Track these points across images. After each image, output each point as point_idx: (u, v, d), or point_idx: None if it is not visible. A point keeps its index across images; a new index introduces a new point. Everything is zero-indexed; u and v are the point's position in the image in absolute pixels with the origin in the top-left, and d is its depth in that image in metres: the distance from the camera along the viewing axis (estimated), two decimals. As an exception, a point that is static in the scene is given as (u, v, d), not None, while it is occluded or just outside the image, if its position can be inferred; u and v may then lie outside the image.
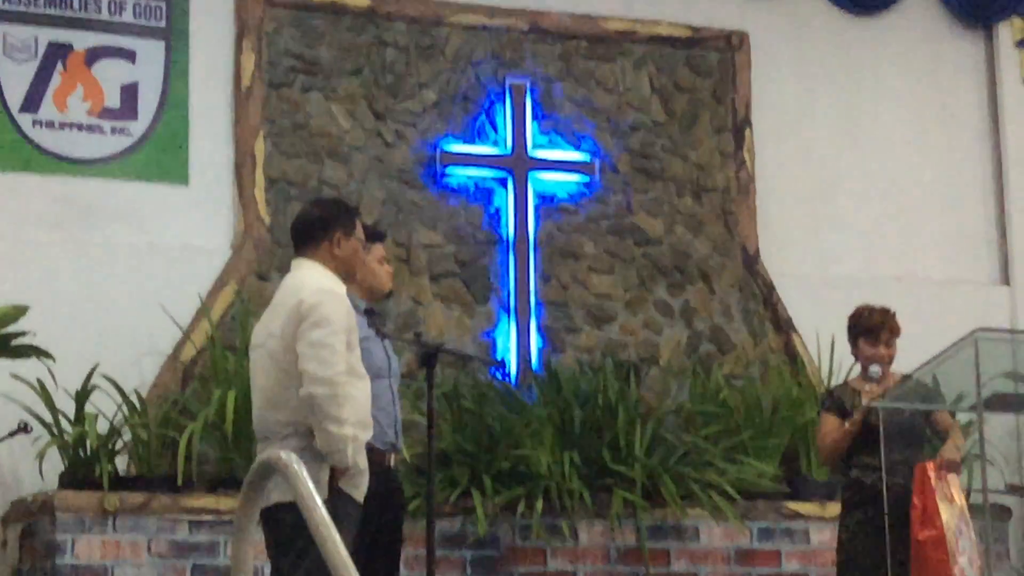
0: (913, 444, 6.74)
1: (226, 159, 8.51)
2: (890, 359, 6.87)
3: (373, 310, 6.28)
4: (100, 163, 8.28)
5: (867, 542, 6.60)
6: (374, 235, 6.33)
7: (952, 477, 6.63)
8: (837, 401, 6.86)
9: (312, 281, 5.42)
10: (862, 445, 6.70)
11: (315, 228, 5.59)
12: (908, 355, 7.83)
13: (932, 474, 6.54)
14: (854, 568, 6.66)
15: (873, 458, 6.67)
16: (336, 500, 5.15)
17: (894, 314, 6.90)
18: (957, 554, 6.48)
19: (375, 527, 5.80)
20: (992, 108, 10.11)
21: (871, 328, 6.84)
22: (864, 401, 6.76)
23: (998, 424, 8.94)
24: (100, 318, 8.00)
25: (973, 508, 8.48)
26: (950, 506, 6.54)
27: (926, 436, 6.89)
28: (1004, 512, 8.72)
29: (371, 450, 5.73)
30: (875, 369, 6.80)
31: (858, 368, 7.11)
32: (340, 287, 5.49)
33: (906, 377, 6.96)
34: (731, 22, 9.60)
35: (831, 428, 6.78)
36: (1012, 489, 8.95)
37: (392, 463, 6.08)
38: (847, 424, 6.70)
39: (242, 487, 3.54)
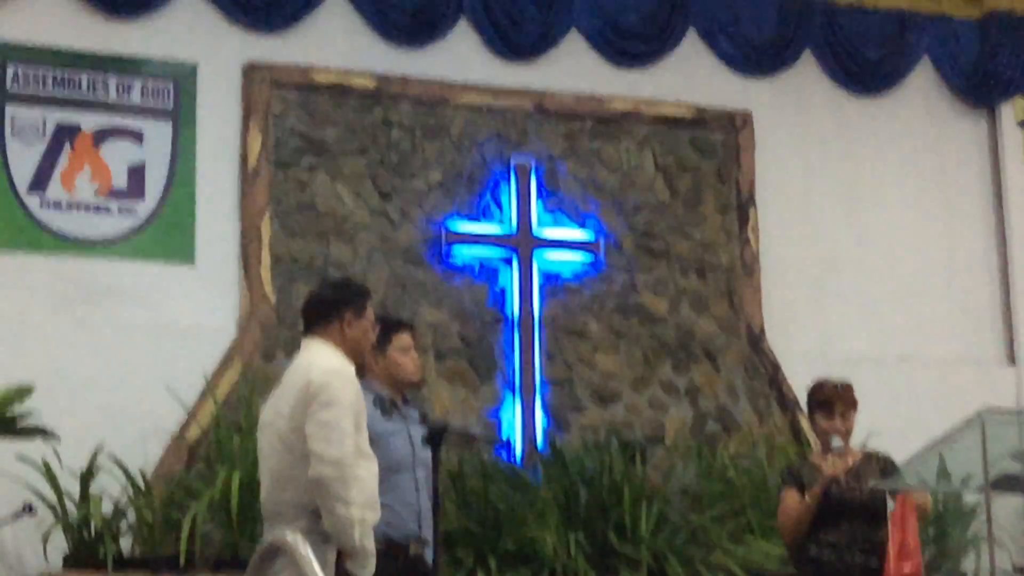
0: (873, 521, 6.67)
1: (232, 239, 8.53)
2: (847, 432, 6.80)
3: (406, 399, 6.25)
4: (107, 243, 8.31)
5: None
6: (396, 324, 6.31)
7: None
8: (797, 477, 6.79)
9: (321, 361, 5.42)
10: (822, 522, 6.63)
11: (326, 308, 5.60)
12: (913, 434, 7.81)
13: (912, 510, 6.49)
14: None
15: (832, 535, 6.61)
16: (342, 582, 5.13)
17: (850, 387, 6.84)
18: None
19: None
20: (995, 187, 10.15)
21: (824, 401, 6.80)
22: (826, 473, 6.67)
23: (1005, 505, 8.90)
24: (105, 398, 7.99)
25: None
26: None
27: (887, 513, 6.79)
28: (1012, 593, 8.67)
29: (390, 542, 5.72)
30: (838, 443, 6.72)
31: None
32: (349, 367, 5.48)
33: (868, 454, 6.91)
34: (735, 102, 9.66)
35: (792, 503, 6.70)
36: (1019, 571, 8.91)
37: (420, 552, 6.05)
38: (807, 497, 6.63)
39: (248, 567, 3.54)
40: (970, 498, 8.64)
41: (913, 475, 7.09)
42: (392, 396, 6.18)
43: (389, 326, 6.16)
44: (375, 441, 5.54)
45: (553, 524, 7.94)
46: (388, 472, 5.64)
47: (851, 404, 6.79)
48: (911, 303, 9.79)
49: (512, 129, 9.19)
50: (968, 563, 8.82)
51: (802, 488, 6.70)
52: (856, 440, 8.14)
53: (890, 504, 6.67)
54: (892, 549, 6.43)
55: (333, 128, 8.85)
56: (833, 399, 6.77)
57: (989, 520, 7.07)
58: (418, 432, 6.17)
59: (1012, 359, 9.89)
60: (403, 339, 6.24)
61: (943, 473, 7.41)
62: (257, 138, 8.65)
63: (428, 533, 6.17)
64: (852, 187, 9.89)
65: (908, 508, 6.50)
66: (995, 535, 7.65)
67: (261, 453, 5.52)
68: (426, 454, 6.19)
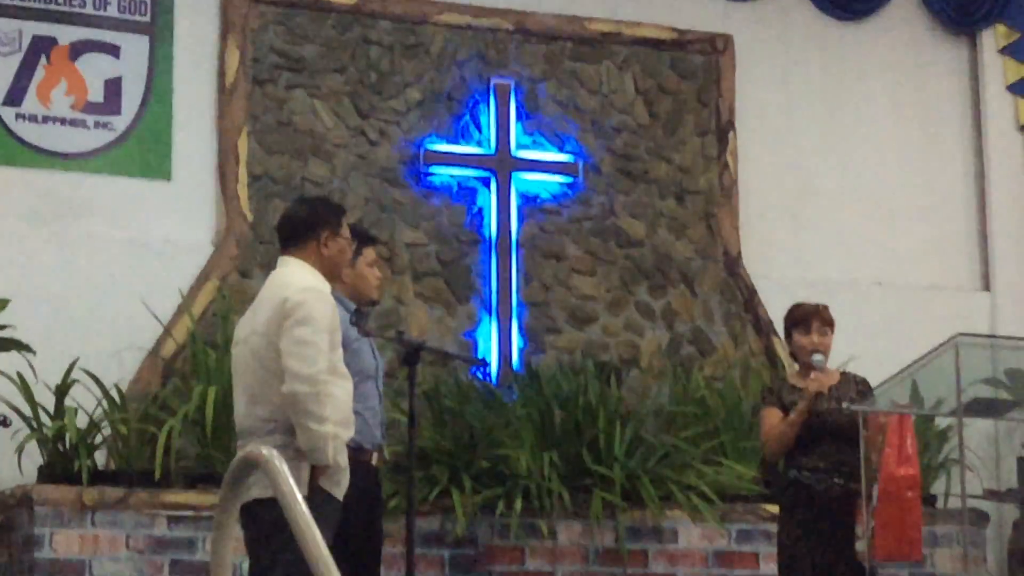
0: (852, 444, 6.71)
1: (209, 155, 8.50)
2: (825, 349, 6.84)
3: (360, 310, 6.28)
4: (83, 158, 8.27)
5: (808, 545, 6.57)
6: (366, 238, 6.33)
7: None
8: (777, 395, 6.83)
9: (297, 279, 5.42)
10: (801, 445, 6.67)
11: (302, 226, 5.59)
12: (888, 359, 7.86)
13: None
14: (795, 573, 6.63)
15: (811, 459, 6.65)
16: (316, 497, 5.15)
17: (826, 307, 6.90)
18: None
19: (357, 523, 5.82)
20: (975, 114, 10.14)
21: (801, 318, 6.84)
22: (810, 390, 6.70)
23: (977, 429, 8.97)
24: (81, 312, 7.99)
25: (951, 513, 8.54)
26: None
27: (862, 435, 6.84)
28: (982, 517, 8.74)
29: (359, 449, 5.78)
30: (819, 358, 6.75)
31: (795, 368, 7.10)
32: (325, 285, 5.49)
33: (845, 375, 6.96)
34: (716, 25, 9.61)
35: (776, 421, 6.74)
36: (990, 494, 8.98)
37: (375, 462, 6.12)
38: (793, 414, 6.65)
39: (222, 482, 3.54)
40: (943, 422, 8.70)
41: (887, 399, 7.14)
42: (358, 308, 6.23)
43: (361, 239, 6.18)
44: (347, 348, 5.58)
45: (528, 444, 7.98)
46: (358, 380, 5.69)
47: (828, 322, 6.84)
48: (888, 229, 9.80)
49: (492, 49, 9.14)
50: (939, 486, 8.88)
51: (782, 407, 6.74)
52: (836, 363, 8.20)
53: (862, 429, 6.73)
54: (890, 454, 6.50)
55: (312, 45, 8.79)
56: (810, 316, 6.82)
57: (961, 444, 7.13)
58: (374, 344, 6.23)
59: (987, 285, 9.92)
60: (369, 253, 6.27)
61: (916, 397, 7.47)
62: (235, 54, 8.60)
63: (384, 445, 6.25)
64: (831, 112, 9.87)
65: (904, 420, 6.57)
66: (967, 459, 7.72)
67: (236, 369, 5.54)
68: (383, 366, 6.26)
